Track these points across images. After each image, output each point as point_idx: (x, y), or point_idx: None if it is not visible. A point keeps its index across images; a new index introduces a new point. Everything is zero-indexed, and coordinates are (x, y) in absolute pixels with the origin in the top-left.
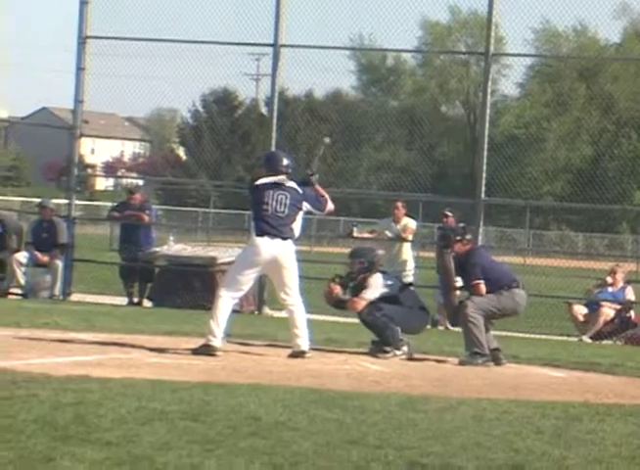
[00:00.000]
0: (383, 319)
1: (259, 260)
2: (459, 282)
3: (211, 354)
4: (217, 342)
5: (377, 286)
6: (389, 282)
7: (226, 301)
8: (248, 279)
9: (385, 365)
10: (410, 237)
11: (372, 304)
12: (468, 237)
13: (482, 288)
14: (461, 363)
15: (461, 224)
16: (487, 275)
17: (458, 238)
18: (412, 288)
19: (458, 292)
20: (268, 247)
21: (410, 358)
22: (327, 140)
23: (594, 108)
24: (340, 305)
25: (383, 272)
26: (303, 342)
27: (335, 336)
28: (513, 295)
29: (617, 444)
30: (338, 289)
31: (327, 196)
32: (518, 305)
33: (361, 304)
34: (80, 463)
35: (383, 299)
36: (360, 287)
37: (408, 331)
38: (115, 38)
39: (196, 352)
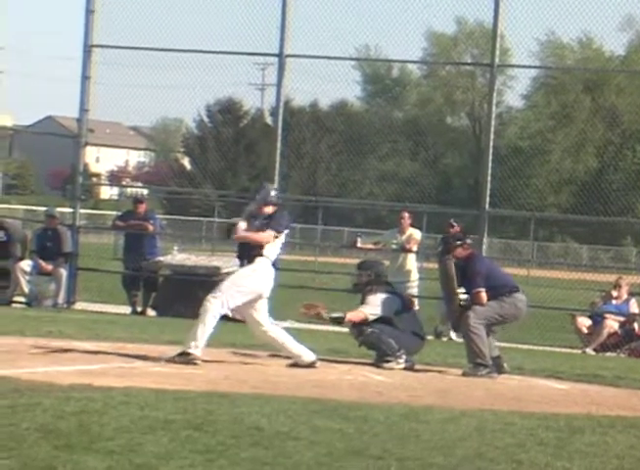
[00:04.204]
0: (373, 335)
1: (268, 288)
2: (462, 292)
3: (193, 363)
4: (199, 352)
5: (375, 304)
6: (389, 303)
7: (218, 311)
8: (245, 300)
9: (388, 376)
10: (415, 248)
11: (361, 325)
12: (468, 242)
13: (483, 296)
14: (464, 374)
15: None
16: (489, 282)
17: (458, 243)
18: (413, 311)
19: (462, 296)
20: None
21: (410, 369)
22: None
23: (599, 120)
24: (336, 321)
25: (388, 284)
26: (307, 355)
27: (338, 346)
28: (514, 300)
29: (620, 456)
30: (321, 309)
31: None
32: (519, 311)
33: (359, 316)
34: None
35: (376, 320)
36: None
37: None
38: (121, 47)
39: (173, 360)
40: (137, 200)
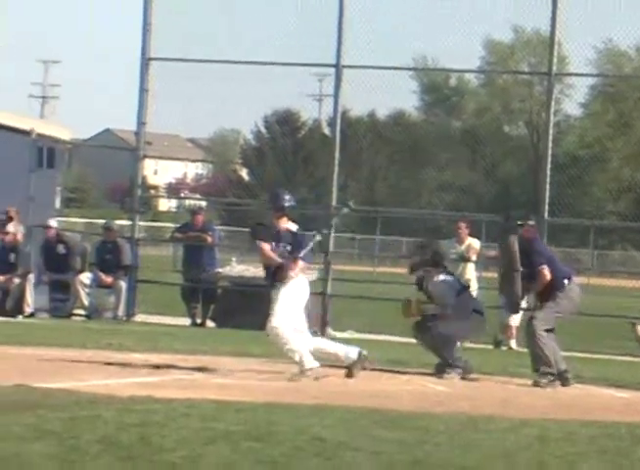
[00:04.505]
0: (436, 339)
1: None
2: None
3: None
4: (312, 362)
5: (444, 291)
6: (451, 286)
7: (290, 330)
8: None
9: (448, 386)
10: (474, 257)
11: (424, 323)
12: (530, 223)
13: (547, 273)
14: (535, 384)
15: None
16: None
17: (520, 223)
18: (469, 291)
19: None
20: None
21: (468, 377)
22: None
23: None
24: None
25: (444, 267)
26: (351, 352)
27: (398, 356)
28: (568, 292)
29: None
30: (417, 305)
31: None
32: (575, 303)
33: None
34: None
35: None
36: (422, 286)
37: (464, 338)
38: (178, 60)
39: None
40: (194, 211)
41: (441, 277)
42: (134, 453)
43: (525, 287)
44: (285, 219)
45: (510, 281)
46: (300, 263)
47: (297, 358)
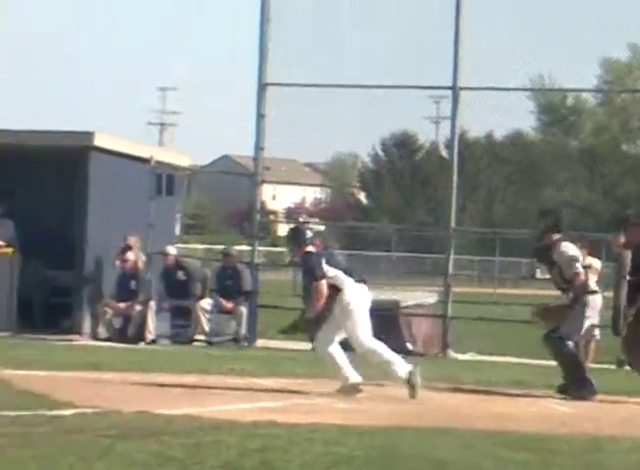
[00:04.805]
0: (572, 357)
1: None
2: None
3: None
4: (407, 368)
5: (570, 256)
6: (573, 253)
7: (378, 343)
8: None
9: (571, 406)
10: (595, 278)
11: (553, 333)
12: None
13: None
14: None
15: None
16: None
17: (636, 221)
18: None
19: None
20: None
21: (592, 398)
22: None
23: None
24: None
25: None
26: (353, 377)
27: (522, 377)
28: None
29: None
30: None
31: None
32: None
33: (581, 279)
34: None
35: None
36: (543, 256)
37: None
38: (294, 85)
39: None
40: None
41: (566, 243)
42: None
43: (631, 298)
44: (308, 247)
45: (615, 291)
46: (321, 287)
47: (392, 375)
